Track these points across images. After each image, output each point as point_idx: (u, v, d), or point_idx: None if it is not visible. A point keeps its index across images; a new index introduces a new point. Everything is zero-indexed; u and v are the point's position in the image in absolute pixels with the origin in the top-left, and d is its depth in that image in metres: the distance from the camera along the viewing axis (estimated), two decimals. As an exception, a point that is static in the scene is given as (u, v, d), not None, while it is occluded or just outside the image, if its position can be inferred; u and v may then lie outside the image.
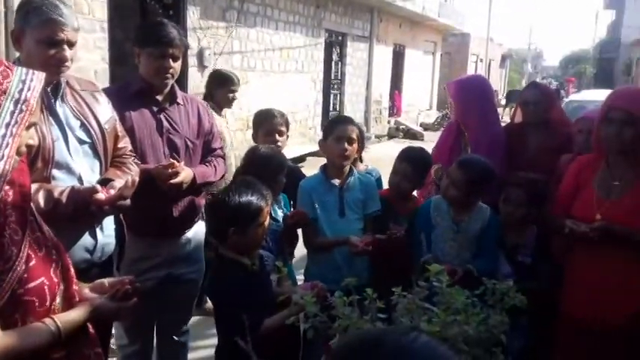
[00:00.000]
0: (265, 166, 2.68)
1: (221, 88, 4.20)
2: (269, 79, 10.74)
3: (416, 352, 0.66)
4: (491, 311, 1.94)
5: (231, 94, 4.23)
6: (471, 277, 2.58)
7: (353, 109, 14.61)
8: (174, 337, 3.02)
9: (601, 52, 39.88)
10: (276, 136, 3.35)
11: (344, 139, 2.83)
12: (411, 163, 2.99)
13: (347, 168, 2.92)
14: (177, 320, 3.00)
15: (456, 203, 2.84)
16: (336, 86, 14.18)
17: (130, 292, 1.63)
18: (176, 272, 2.81)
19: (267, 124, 3.39)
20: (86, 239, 2.12)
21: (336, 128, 2.88)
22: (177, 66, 2.63)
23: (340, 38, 13.93)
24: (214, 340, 2.40)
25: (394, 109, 18.18)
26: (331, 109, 14.03)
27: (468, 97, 3.50)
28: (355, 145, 2.88)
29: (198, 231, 2.90)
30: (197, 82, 8.47)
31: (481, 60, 29.55)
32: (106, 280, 1.68)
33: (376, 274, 2.86)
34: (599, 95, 12.15)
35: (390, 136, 16.96)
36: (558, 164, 3.22)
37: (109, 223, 2.23)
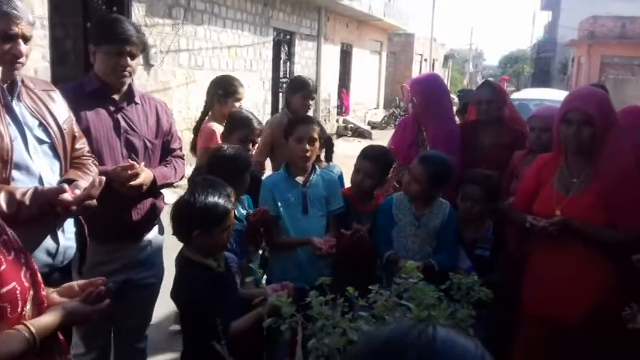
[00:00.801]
0: (231, 166, 2.63)
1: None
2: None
3: (440, 350, 0.66)
4: (457, 305, 2.00)
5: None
6: (432, 271, 2.68)
7: (302, 107, 14.59)
8: (133, 344, 2.93)
9: (538, 52, 41.50)
10: (250, 145, 3.27)
11: (305, 139, 2.83)
12: (374, 160, 3.01)
13: (310, 167, 2.92)
14: (135, 326, 2.91)
15: (417, 198, 2.89)
16: (284, 85, 14.13)
17: (102, 293, 1.56)
18: (135, 277, 2.72)
19: (245, 131, 3.27)
20: (48, 242, 2.02)
21: (297, 128, 2.88)
22: (134, 64, 2.54)
23: (288, 37, 13.91)
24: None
25: (342, 107, 18.30)
26: (280, 108, 13.98)
27: (428, 94, 3.57)
28: (317, 145, 2.88)
29: (157, 234, 2.82)
30: (143, 81, 8.26)
31: (425, 60, 30.15)
32: (75, 283, 1.61)
33: (339, 272, 2.86)
34: (538, 94, 12.65)
35: (339, 134, 17.06)
36: (512, 160, 3.33)
37: (69, 225, 2.13)
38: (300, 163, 2.88)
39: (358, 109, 19.72)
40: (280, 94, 13.92)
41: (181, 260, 2.17)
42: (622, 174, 2.52)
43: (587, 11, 27.79)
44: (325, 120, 16.58)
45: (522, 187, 2.85)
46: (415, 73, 27.62)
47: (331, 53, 16.45)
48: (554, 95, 11.80)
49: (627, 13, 26.20)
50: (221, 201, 2.12)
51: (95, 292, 1.55)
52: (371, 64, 21.01)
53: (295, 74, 14.22)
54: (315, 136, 2.86)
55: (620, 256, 2.50)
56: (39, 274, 1.47)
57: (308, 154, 2.84)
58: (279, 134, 3.67)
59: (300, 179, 2.89)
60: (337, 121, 17.64)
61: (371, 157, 3.04)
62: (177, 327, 3.69)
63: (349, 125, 17.61)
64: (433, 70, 31.58)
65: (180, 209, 2.12)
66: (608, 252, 2.54)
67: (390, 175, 3.40)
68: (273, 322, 1.59)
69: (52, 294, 1.55)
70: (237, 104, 3.89)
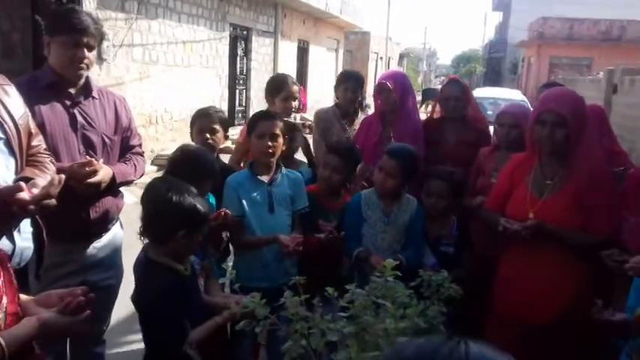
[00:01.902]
0: (192, 167, 2.53)
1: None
2: (172, 73, 10.37)
3: None
4: (428, 302, 1.99)
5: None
6: (400, 268, 2.68)
7: (259, 105, 14.46)
8: (91, 349, 2.81)
9: (490, 52, 42.46)
10: (207, 134, 3.17)
11: (266, 135, 2.77)
12: (342, 155, 2.99)
13: (274, 164, 2.86)
14: (93, 331, 2.78)
15: (391, 194, 2.89)
16: (241, 81, 13.99)
17: (82, 304, 1.46)
18: (92, 279, 2.60)
19: (199, 122, 3.21)
20: (4, 243, 1.90)
21: (259, 125, 2.81)
22: (92, 56, 2.42)
23: (245, 33, 13.76)
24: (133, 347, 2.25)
25: (300, 105, 18.21)
26: (237, 104, 13.82)
27: (403, 90, 3.60)
28: (280, 141, 2.82)
29: (116, 234, 2.72)
30: (95, 75, 7.99)
31: (381, 58, 30.40)
32: (54, 292, 1.51)
33: (305, 271, 2.82)
34: (492, 92, 12.97)
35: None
36: (478, 156, 3.36)
37: (25, 225, 2.02)
38: (262, 159, 2.82)
39: (316, 106, 19.66)
40: (237, 90, 13.76)
41: (145, 262, 2.08)
42: (595, 176, 2.53)
43: (537, 13, 28.60)
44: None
45: (496, 188, 2.84)
46: (371, 72, 27.82)
47: (288, 50, 16.37)
48: (507, 94, 12.17)
49: (575, 15, 27.12)
50: (201, 201, 2.08)
51: (74, 303, 1.45)
52: (328, 62, 21.02)
53: (252, 71, 14.13)
54: (277, 132, 2.80)
55: (591, 256, 2.50)
56: (14, 281, 1.37)
57: (270, 151, 2.78)
58: None
59: (264, 178, 2.83)
60: (294, 118, 17.52)
61: (339, 152, 3.02)
62: None
63: (307, 122, 17.54)
64: (388, 69, 31.85)
65: (164, 208, 2.02)
66: (580, 253, 2.55)
67: (358, 174, 3.39)
68: (246, 324, 1.54)
69: (29, 303, 1.45)
70: (287, 103, 3.78)
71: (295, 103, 3.80)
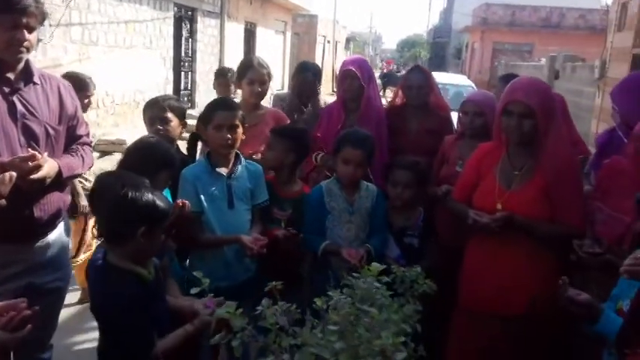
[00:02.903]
0: (145, 159, 2.35)
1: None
2: (114, 54, 9.89)
3: None
4: (402, 299, 1.92)
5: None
6: (369, 257, 2.61)
7: (206, 88, 14.08)
8: (36, 355, 2.61)
9: (434, 37, 43.03)
10: (158, 125, 2.98)
11: (224, 127, 2.61)
12: (287, 137, 2.90)
13: (233, 156, 2.71)
14: (39, 336, 2.57)
15: (355, 182, 2.83)
16: (187, 64, 13.54)
17: (26, 318, 1.31)
18: (38, 281, 2.41)
19: (149, 113, 3.01)
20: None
21: (216, 115, 2.63)
22: (33, 38, 2.20)
23: (190, 13, 13.29)
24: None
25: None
26: (182, 88, 13.40)
27: (369, 76, 3.51)
28: (240, 131, 2.66)
29: (62, 232, 2.51)
30: (30, 58, 7.51)
31: (328, 42, 30.23)
32: None
33: (264, 266, 2.73)
34: (439, 77, 13.08)
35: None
36: (442, 145, 3.32)
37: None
38: (221, 152, 2.65)
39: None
40: (182, 73, 13.34)
41: (104, 268, 1.90)
42: (563, 167, 2.51)
43: (482, -2, 29.18)
44: (230, 101, 16.15)
45: (462, 178, 2.81)
46: (319, 55, 27.64)
47: (235, 32, 15.96)
48: (455, 79, 12.29)
49: (517, 2, 27.81)
50: (158, 195, 1.93)
51: (17, 320, 1.30)
52: (276, 45, 20.69)
53: (198, 53, 13.70)
54: (237, 122, 2.64)
55: (559, 247, 2.52)
56: None
57: (230, 143, 2.62)
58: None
59: (223, 170, 2.66)
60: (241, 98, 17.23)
61: (284, 135, 2.93)
62: None
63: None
64: (336, 52, 31.75)
65: (120, 206, 1.85)
66: (548, 243, 2.55)
67: (320, 163, 3.29)
68: (222, 337, 1.41)
69: None
70: (253, 87, 3.54)
71: (263, 88, 3.58)
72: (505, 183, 2.59)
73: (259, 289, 2.70)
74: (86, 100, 3.87)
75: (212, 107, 2.72)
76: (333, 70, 28.05)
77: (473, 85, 11.49)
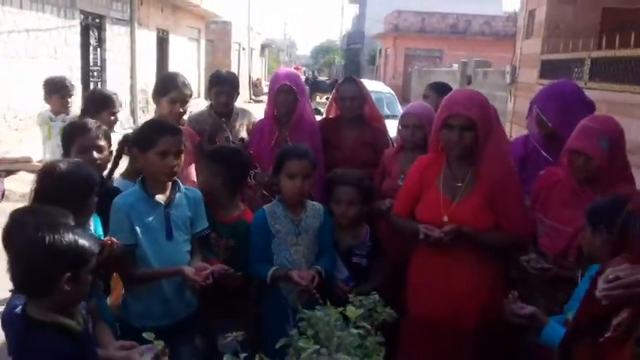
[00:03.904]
0: (68, 187, 2.08)
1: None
2: (16, 65, 9.18)
3: None
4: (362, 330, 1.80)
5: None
6: (321, 279, 2.54)
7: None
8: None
9: (348, 44, 43.77)
10: (94, 153, 2.68)
11: (171, 153, 2.37)
12: (220, 161, 2.73)
13: (170, 182, 2.48)
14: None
15: (302, 198, 2.72)
16: (96, 74, 12.84)
17: None
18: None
19: (80, 140, 2.66)
20: None
21: (161, 141, 2.37)
22: None
23: (97, 21, 12.62)
24: None
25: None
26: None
27: (301, 90, 3.40)
28: (183, 157, 2.44)
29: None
30: None
31: (243, 48, 29.93)
32: None
33: (206, 299, 2.53)
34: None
35: (159, 126, 16.08)
36: (382, 159, 3.26)
37: None
38: (163, 179, 2.42)
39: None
40: (91, 83, 12.63)
41: (25, 323, 1.63)
42: (503, 176, 2.53)
43: (392, 6, 29.97)
44: (143, 111, 15.52)
45: (404, 190, 2.76)
46: (234, 62, 27.29)
47: (146, 40, 15.35)
48: (373, 86, 12.40)
49: (426, 9, 28.83)
50: (79, 232, 1.69)
51: None
52: (189, 52, 20.16)
53: (107, 62, 13.04)
54: (182, 147, 2.42)
55: (504, 257, 2.55)
56: None
57: (175, 169, 2.39)
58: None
59: (161, 198, 2.42)
60: (156, 111, 16.61)
61: (212, 157, 2.76)
62: None
63: (170, 117, 16.70)
64: (252, 58, 31.51)
65: (38, 254, 1.59)
66: (494, 253, 2.56)
67: (255, 182, 3.12)
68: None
69: None
70: (175, 107, 3.27)
71: (184, 108, 3.32)
72: (449, 195, 2.58)
73: (202, 326, 2.55)
74: (112, 117, 3.67)
75: (154, 131, 2.44)
76: (249, 78, 27.76)
77: (391, 91, 11.67)
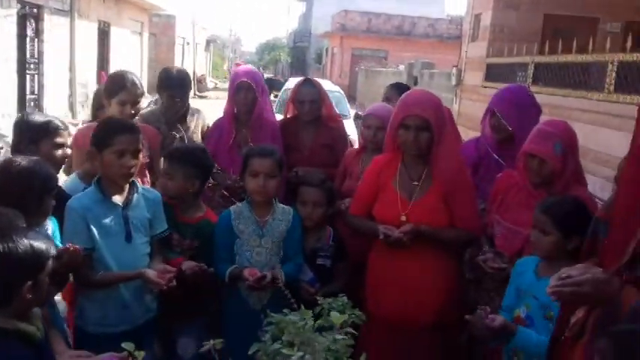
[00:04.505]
0: (29, 186, 1.98)
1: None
2: (-55, 56, 8.67)
3: None
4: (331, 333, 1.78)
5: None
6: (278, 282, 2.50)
7: (56, 93, 12.90)
8: None
9: (294, 42, 43.64)
10: (60, 152, 2.55)
11: (128, 152, 2.28)
12: (184, 162, 2.64)
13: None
14: None
15: (269, 197, 2.68)
16: (32, 66, 12.25)
17: None
18: None
19: (49, 140, 2.53)
20: None
21: (117, 140, 2.28)
22: None
23: (36, 11, 12.05)
24: None
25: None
26: (29, 92, 12.11)
27: (262, 88, 3.34)
28: (141, 156, 2.37)
29: None
30: None
31: (188, 43, 29.38)
32: None
33: (166, 303, 2.47)
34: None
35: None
36: (343, 159, 3.27)
37: None
38: (122, 181, 2.33)
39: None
40: (28, 76, 12.06)
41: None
42: (457, 174, 2.62)
43: (339, 5, 30.15)
44: (83, 106, 14.97)
45: (361, 191, 2.79)
46: (178, 57, 26.73)
47: (87, 32, 14.80)
48: (323, 85, 12.44)
49: (372, 9, 29.17)
50: (32, 234, 1.60)
51: None
52: (132, 46, 19.57)
53: (45, 55, 12.48)
54: (140, 146, 2.34)
55: (460, 253, 2.62)
56: None
57: (133, 171, 2.30)
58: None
59: (118, 200, 2.33)
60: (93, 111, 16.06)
61: (184, 160, 2.66)
62: None
63: (112, 112, 16.18)
64: (196, 54, 30.98)
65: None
66: (450, 251, 2.64)
67: (214, 182, 3.05)
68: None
69: None
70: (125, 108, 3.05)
71: (135, 109, 3.14)
72: (406, 194, 2.63)
73: (161, 330, 2.47)
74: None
75: (110, 130, 2.34)
76: (194, 74, 27.28)
77: (340, 90, 11.72)
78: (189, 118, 3.53)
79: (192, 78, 25.08)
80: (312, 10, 38.14)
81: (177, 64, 25.91)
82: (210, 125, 3.56)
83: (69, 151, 2.74)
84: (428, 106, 2.56)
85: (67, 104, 13.45)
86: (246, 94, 3.27)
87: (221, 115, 3.49)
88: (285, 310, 1.70)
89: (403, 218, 2.57)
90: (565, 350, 1.81)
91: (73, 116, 13.36)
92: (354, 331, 1.55)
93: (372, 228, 2.61)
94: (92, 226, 2.25)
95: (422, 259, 2.59)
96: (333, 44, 30.80)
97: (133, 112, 3.12)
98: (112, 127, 2.34)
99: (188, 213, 2.67)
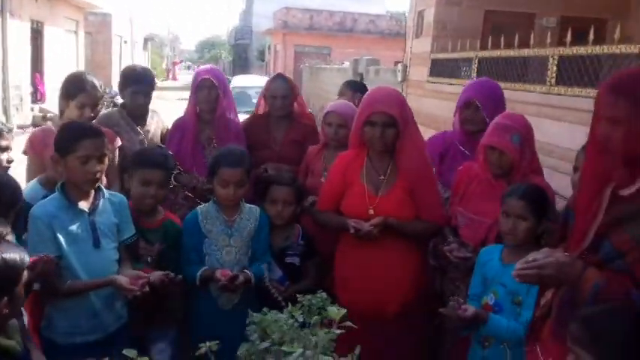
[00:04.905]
0: None
1: None
2: None
3: None
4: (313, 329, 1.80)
5: None
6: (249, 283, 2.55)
7: (-11, 95, 12.30)
8: None
9: (236, 39, 43.09)
10: (3, 155, 2.45)
11: (93, 158, 2.21)
12: (158, 167, 2.59)
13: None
14: None
15: (236, 203, 2.69)
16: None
17: None
18: None
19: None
20: None
21: (82, 145, 2.21)
22: None
23: (-38, 10, 11.46)
24: None
25: (37, 94, 16.03)
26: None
27: (225, 86, 3.31)
28: (107, 160, 2.29)
29: None
30: None
31: (125, 42, 28.57)
32: None
33: (135, 308, 2.41)
34: (255, 81, 13.13)
35: (36, 125, 14.91)
36: (305, 156, 3.30)
37: None
38: (88, 187, 2.26)
39: (56, 95, 17.54)
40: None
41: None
42: (421, 168, 2.69)
43: (280, 2, 30.03)
44: (17, 109, 14.33)
45: (328, 187, 2.83)
46: (116, 56, 25.97)
47: (19, 32, 14.15)
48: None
49: (314, 6, 29.22)
50: (7, 247, 1.55)
51: None
52: (67, 46, 18.84)
53: (-25, 55, 11.87)
54: (106, 151, 2.27)
55: (426, 244, 2.70)
56: None
57: (98, 176, 2.24)
58: None
59: (84, 205, 2.26)
60: (32, 109, 15.41)
61: (150, 164, 2.60)
62: None
63: (48, 114, 15.54)
64: (134, 53, 30.19)
65: None
66: (416, 241, 2.71)
67: (177, 184, 3.00)
68: None
69: None
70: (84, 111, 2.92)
71: (95, 112, 3.04)
72: (373, 189, 2.69)
73: (133, 337, 2.42)
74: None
75: (73, 135, 2.25)
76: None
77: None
78: (149, 120, 3.42)
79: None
80: (253, 7, 37.84)
81: (115, 63, 25.19)
82: (170, 127, 3.48)
83: (12, 154, 2.63)
84: (394, 104, 2.62)
85: (1, 107, 12.83)
86: (209, 92, 3.23)
87: (164, 114, 3.46)
88: (264, 309, 1.71)
89: (371, 212, 2.62)
90: (537, 328, 1.93)
91: (7, 120, 12.76)
92: (354, 325, 1.56)
93: (341, 222, 2.66)
94: (58, 234, 2.18)
95: (389, 251, 2.64)
96: (275, 41, 30.66)
97: (92, 114, 3.02)
98: (76, 132, 2.26)
99: (149, 218, 2.62)
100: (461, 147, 3.06)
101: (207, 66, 3.66)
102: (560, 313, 1.78)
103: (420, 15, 8.84)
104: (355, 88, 4.08)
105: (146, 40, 38.39)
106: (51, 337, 2.25)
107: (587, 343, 1.51)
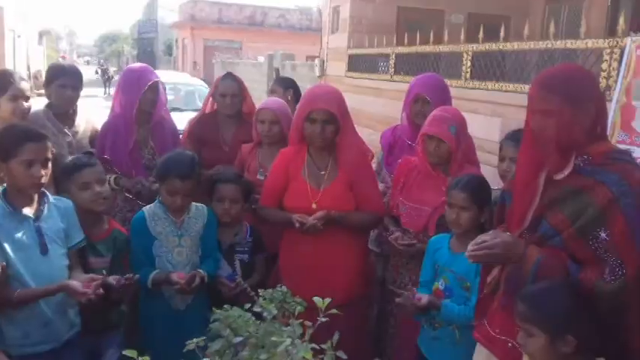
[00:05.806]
0: None
1: None
2: None
3: None
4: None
5: None
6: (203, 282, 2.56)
7: None
8: None
9: (139, 32, 41.44)
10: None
11: (37, 162, 2.13)
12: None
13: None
14: None
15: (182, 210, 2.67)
16: None
17: None
18: None
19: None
20: None
21: (24, 149, 2.11)
22: None
23: None
24: None
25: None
26: None
27: (156, 84, 3.21)
28: (50, 165, 2.20)
29: None
30: None
31: (19, 36, 26.76)
32: None
33: (86, 314, 2.35)
34: (167, 77, 12.73)
35: None
36: (239, 154, 3.31)
37: None
38: (33, 191, 2.17)
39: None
40: None
41: None
42: (358, 162, 2.81)
43: (185, -6, 29.31)
44: None
45: (270, 183, 2.89)
46: (9, 51, 24.26)
47: None
48: (185, 79, 12.05)
49: (223, 0, 28.80)
50: None
51: None
52: (-46, 40, 17.42)
53: None
54: (50, 155, 2.18)
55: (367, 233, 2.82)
56: None
57: (43, 180, 2.15)
58: None
59: (28, 211, 2.17)
60: None
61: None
62: None
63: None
64: (29, 48, 28.41)
65: None
66: (359, 232, 2.82)
67: (116, 186, 2.93)
68: None
69: None
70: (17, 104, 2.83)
71: (28, 104, 2.93)
72: (315, 183, 2.77)
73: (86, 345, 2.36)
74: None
75: (16, 138, 2.14)
76: (28, 69, 25.04)
77: (204, 83, 11.52)
78: (77, 120, 3.24)
79: (27, 74, 23.00)
80: (158, 0, 36.66)
81: (9, 58, 23.50)
82: (99, 130, 3.30)
83: None
84: (333, 101, 2.71)
85: None
86: (154, 94, 3.17)
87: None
88: (225, 306, 1.72)
89: (314, 206, 2.71)
90: (486, 303, 2.11)
91: None
92: (340, 313, 1.63)
93: (285, 217, 2.73)
94: (3, 242, 2.08)
95: (331, 242, 2.73)
96: (183, 35, 29.90)
97: (26, 105, 2.92)
98: (18, 136, 2.15)
99: (97, 229, 2.54)
100: (408, 141, 3.22)
101: (143, 65, 3.43)
102: (508, 287, 1.97)
103: (336, 10, 9.00)
104: (287, 84, 4.16)
105: (41, 35, 36.12)
106: (2, 348, 2.14)
107: (534, 319, 1.71)
